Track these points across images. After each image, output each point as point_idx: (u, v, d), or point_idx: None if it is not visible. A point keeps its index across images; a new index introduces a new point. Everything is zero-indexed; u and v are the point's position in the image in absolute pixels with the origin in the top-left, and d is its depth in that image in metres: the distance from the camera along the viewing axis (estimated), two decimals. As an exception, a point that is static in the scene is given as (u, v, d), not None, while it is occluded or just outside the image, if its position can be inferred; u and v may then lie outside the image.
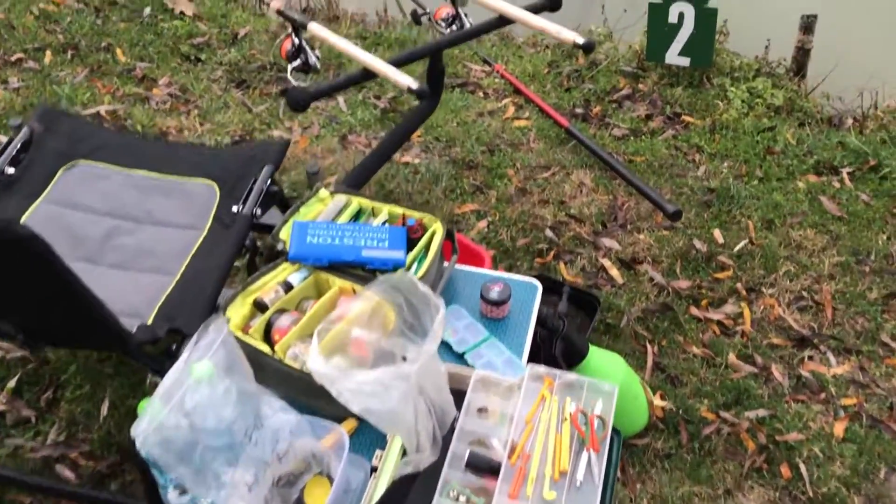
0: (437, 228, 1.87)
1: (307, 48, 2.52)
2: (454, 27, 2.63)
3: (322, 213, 1.91)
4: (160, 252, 1.87)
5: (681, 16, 3.38)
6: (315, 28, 2.35)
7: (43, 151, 2.04)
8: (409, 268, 1.79)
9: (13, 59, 3.45)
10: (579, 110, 3.42)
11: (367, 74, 2.19)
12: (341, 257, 1.76)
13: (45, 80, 3.33)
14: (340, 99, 3.43)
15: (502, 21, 2.42)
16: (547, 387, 1.53)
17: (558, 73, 3.68)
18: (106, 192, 2.00)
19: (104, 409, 2.07)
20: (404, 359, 1.49)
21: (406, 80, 2.02)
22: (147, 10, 3.95)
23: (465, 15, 2.63)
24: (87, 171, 2.04)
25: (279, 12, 2.50)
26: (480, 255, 2.38)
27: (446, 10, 2.65)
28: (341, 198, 1.95)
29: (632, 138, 3.25)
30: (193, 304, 1.71)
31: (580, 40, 2.16)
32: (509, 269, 2.56)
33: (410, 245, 1.85)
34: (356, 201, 1.95)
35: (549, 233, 2.71)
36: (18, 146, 2.02)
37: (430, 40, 3.61)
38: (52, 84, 3.31)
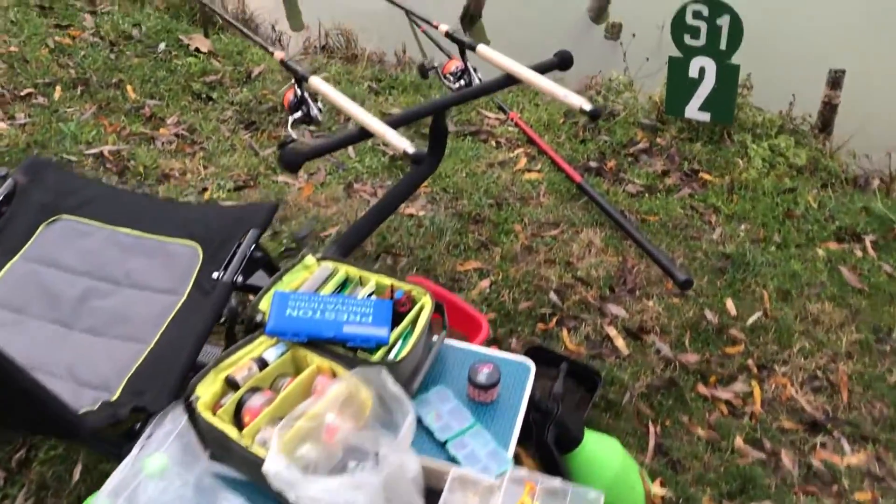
0: (426, 302, 1.78)
1: (309, 100, 2.44)
2: (462, 82, 2.56)
3: (306, 283, 1.82)
4: (136, 317, 1.79)
5: (702, 70, 3.28)
6: (316, 82, 2.27)
7: (26, 204, 1.98)
8: (392, 345, 1.70)
9: (23, 93, 3.43)
10: (593, 164, 3.32)
11: (365, 134, 2.11)
12: (321, 333, 1.67)
13: (52, 116, 3.30)
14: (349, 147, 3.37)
15: (510, 80, 2.34)
16: (528, 492, 1.42)
17: (574, 123, 3.59)
18: (87, 249, 1.93)
19: (76, 474, 1.99)
20: (377, 455, 1.40)
21: (402, 143, 1.94)
22: (162, 46, 3.93)
23: (475, 70, 2.56)
24: (69, 227, 1.98)
25: (282, 63, 2.44)
26: (478, 320, 2.28)
27: (455, 64, 2.58)
28: (328, 265, 1.86)
29: (646, 196, 3.15)
30: (164, 378, 1.63)
31: (587, 107, 2.06)
32: (510, 334, 2.46)
33: (397, 319, 1.76)
34: (343, 269, 1.86)
35: (553, 296, 2.60)
36: (0, 198, 1.96)
37: (443, 91, 3.54)
38: (58, 121, 3.27)
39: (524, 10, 5.60)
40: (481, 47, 2.43)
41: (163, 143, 3.25)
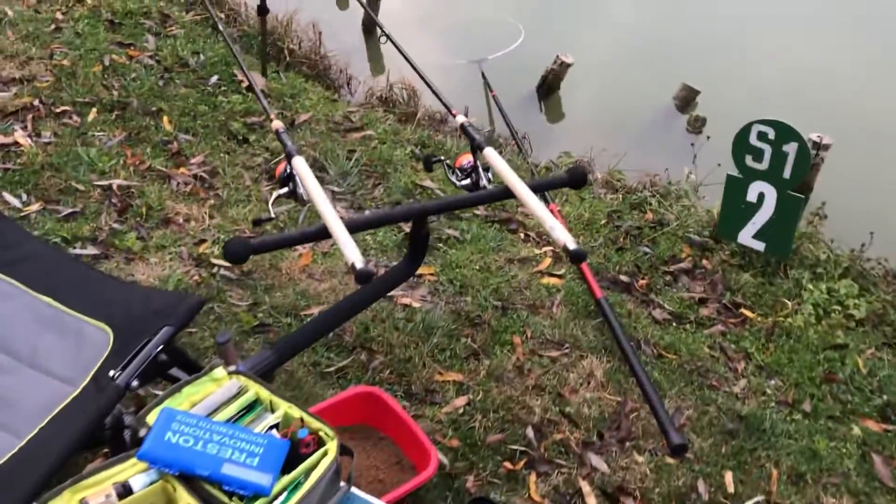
0: (331, 449, 1.55)
1: (297, 178, 2.26)
2: (469, 181, 2.34)
3: (206, 400, 1.62)
4: (22, 405, 1.63)
5: (761, 196, 2.96)
6: (297, 164, 2.09)
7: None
8: (275, 498, 1.47)
9: (59, 110, 3.39)
10: (624, 278, 3.02)
11: (326, 233, 1.90)
12: (195, 469, 1.45)
13: (77, 138, 3.24)
14: (367, 213, 3.18)
15: (507, 193, 2.09)
16: None
17: (616, 227, 3.30)
18: (3, 315, 1.79)
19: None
20: None
21: (352, 255, 1.72)
22: (214, 79, 3.86)
23: (486, 170, 2.33)
24: (-7, 286, 1.84)
25: (277, 134, 2.27)
26: (427, 453, 2.03)
27: (467, 160, 2.36)
28: (237, 382, 1.66)
29: (672, 325, 2.83)
30: (20, 486, 1.46)
31: (571, 246, 1.79)
32: (468, 469, 2.19)
33: (295, 462, 1.53)
34: (254, 390, 1.65)
35: (530, 432, 2.31)
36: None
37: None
38: (82, 144, 3.21)
39: (608, 87, 5.34)
40: (488, 150, 2.21)
41: (178, 184, 3.13)
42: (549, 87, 5.08)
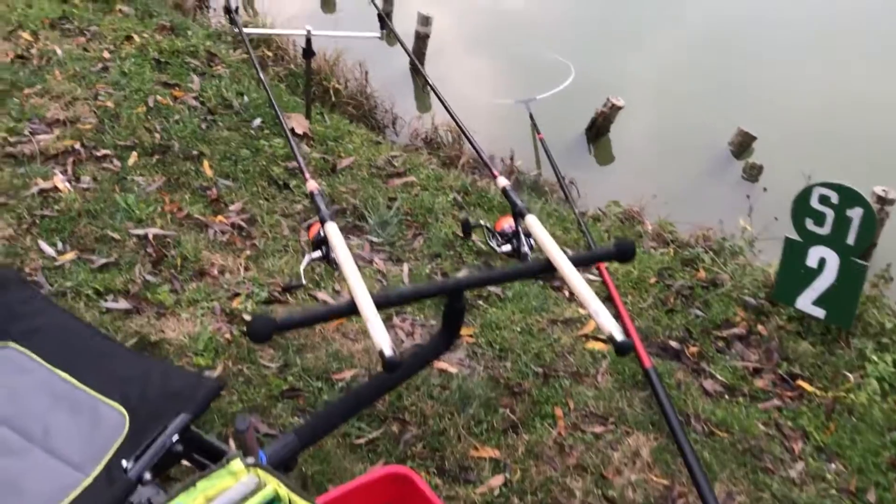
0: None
1: (331, 242, 2.17)
2: (509, 247, 2.21)
3: (222, 496, 1.52)
4: (28, 493, 1.55)
5: (822, 261, 2.78)
6: (331, 231, 2.00)
7: (-26, 323, 1.80)
8: None
9: (100, 153, 3.37)
10: (674, 343, 2.86)
11: (356, 309, 1.80)
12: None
13: (117, 184, 3.21)
14: (406, 266, 3.08)
15: (548, 267, 1.96)
16: None
17: (667, 287, 3.15)
18: (16, 390, 1.71)
19: None
20: None
21: (380, 340, 1.61)
22: (257, 122, 3.82)
23: (528, 236, 2.20)
24: (9, 359, 1.77)
25: (311, 196, 2.19)
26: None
27: (508, 223, 2.24)
28: (254, 477, 1.55)
29: (725, 399, 2.66)
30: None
31: (618, 337, 1.65)
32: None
33: (313, 571, 1.42)
34: (272, 486, 1.54)
35: (568, 519, 2.18)
36: (-49, 313, 1.79)
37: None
38: (121, 190, 3.18)
39: (660, 130, 5.19)
40: (530, 218, 2.08)
41: (215, 233, 3.07)
42: (598, 130, 4.95)
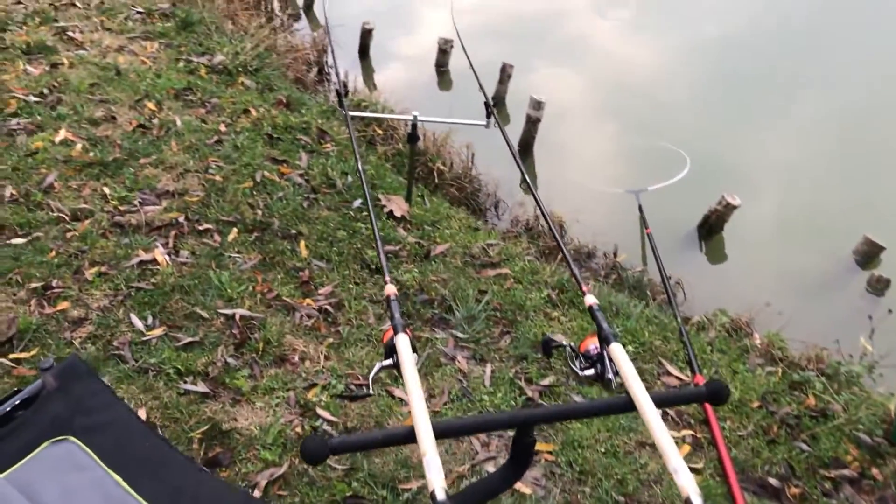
0: None
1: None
2: (593, 371, 2.06)
3: None
4: None
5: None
6: (401, 344, 1.91)
7: (41, 414, 1.80)
8: None
9: (202, 228, 3.44)
10: (773, 481, 2.61)
11: (412, 438, 1.69)
12: None
13: (213, 259, 3.26)
14: (489, 367, 2.96)
15: (629, 405, 1.80)
16: None
17: (771, 414, 2.89)
18: (70, 489, 1.69)
19: None
20: None
21: (434, 479, 1.49)
22: (357, 203, 3.82)
23: (611, 361, 2.05)
24: (69, 454, 1.75)
25: (387, 301, 2.12)
26: None
27: (594, 344, 2.10)
28: None
29: (827, 555, 2.39)
30: None
31: (696, 501, 1.47)
32: None
33: None
34: None
35: None
36: (17, 402, 1.80)
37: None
38: (217, 267, 3.22)
39: (778, 233, 4.90)
40: (615, 347, 1.93)
41: (301, 317, 3.06)
42: (711, 228, 4.72)
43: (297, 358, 2.86)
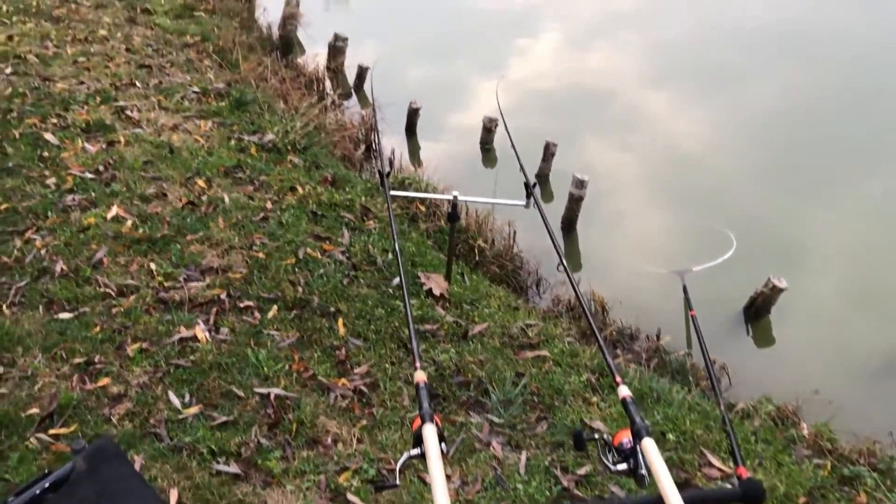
0: None
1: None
2: (625, 466, 2.01)
3: None
4: None
5: None
6: (427, 434, 1.89)
7: (69, 497, 1.81)
8: None
9: (243, 305, 3.49)
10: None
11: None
12: None
13: (252, 337, 3.29)
14: (524, 455, 2.90)
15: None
16: None
17: (818, 510, 2.77)
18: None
19: None
20: None
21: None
22: (396, 281, 3.85)
23: (642, 454, 1.99)
24: (91, 540, 1.76)
25: (417, 389, 2.10)
26: None
27: (627, 438, 2.05)
28: None
29: None
30: None
31: None
32: None
33: None
34: None
35: None
36: (47, 485, 1.81)
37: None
38: (255, 344, 3.25)
39: (828, 319, 4.76)
40: (647, 442, 1.88)
41: (336, 398, 3.05)
42: (757, 311, 4.61)
43: (329, 440, 2.85)
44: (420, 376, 2.19)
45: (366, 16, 10.22)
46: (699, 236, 5.40)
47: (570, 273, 2.85)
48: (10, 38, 6.34)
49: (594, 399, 3.28)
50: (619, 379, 2.27)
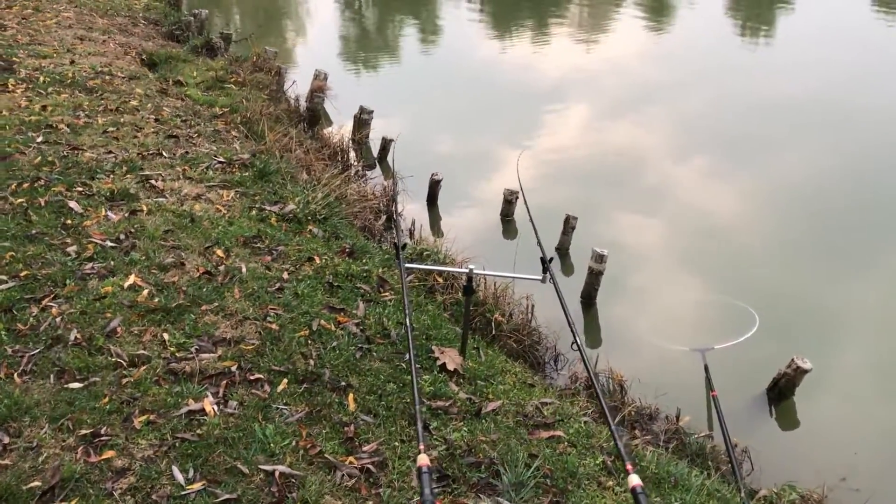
0: None
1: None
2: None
3: None
4: None
5: None
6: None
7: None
8: None
9: (253, 377, 3.46)
10: None
11: None
12: None
13: (260, 411, 3.24)
14: (535, 543, 2.79)
15: None
16: None
17: None
18: None
19: None
20: None
21: None
22: (408, 356, 3.80)
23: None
24: None
25: (418, 473, 2.04)
26: None
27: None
28: None
29: None
30: None
31: None
32: None
33: None
34: None
35: None
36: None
37: None
38: (263, 419, 3.20)
39: (854, 401, 4.62)
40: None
41: (342, 476, 2.97)
42: (780, 392, 4.49)
43: (336, 522, 2.77)
44: (423, 460, 2.14)
45: (394, 89, 10.42)
46: (722, 312, 5.31)
47: (585, 351, 2.81)
48: (44, 107, 6.53)
49: (609, 483, 3.17)
50: (629, 466, 2.21)
